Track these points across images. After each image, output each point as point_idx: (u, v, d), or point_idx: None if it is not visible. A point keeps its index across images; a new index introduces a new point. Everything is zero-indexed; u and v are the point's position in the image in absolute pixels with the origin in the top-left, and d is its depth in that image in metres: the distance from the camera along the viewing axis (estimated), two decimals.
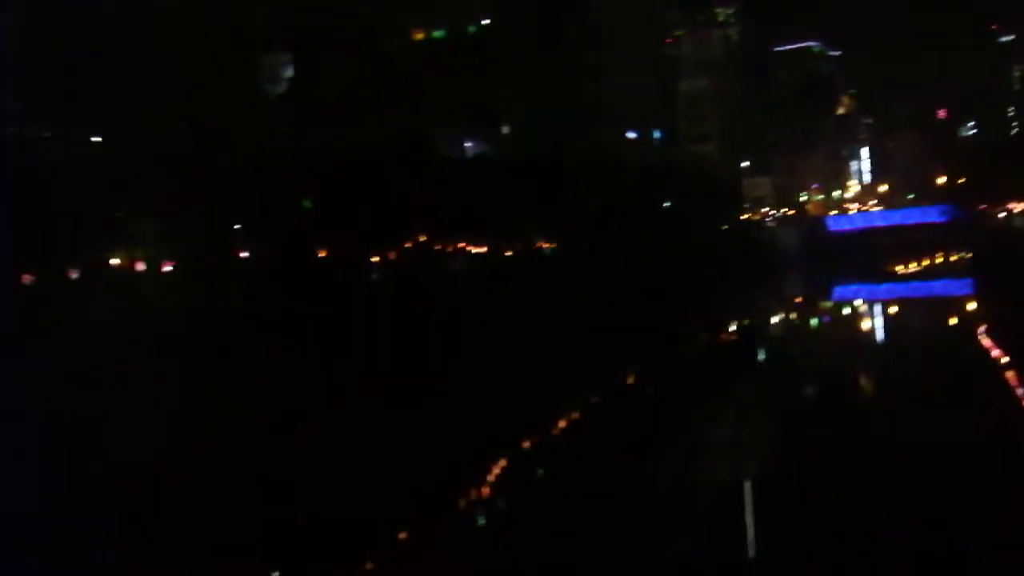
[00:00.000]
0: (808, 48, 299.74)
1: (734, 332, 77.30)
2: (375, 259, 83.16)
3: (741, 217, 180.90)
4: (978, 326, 64.98)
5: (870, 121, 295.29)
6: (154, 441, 35.67)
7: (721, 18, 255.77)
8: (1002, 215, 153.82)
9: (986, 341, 55.36)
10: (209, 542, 24.15)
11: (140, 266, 65.93)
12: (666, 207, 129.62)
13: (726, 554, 21.41)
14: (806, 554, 20.92)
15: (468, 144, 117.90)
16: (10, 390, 37.95)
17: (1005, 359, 47.09)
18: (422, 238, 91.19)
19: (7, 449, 31.73)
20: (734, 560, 21.06)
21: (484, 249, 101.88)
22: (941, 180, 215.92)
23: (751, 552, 21.56)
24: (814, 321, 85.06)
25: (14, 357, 41.66)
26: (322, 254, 77.12)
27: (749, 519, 23.60)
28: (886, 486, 25.17)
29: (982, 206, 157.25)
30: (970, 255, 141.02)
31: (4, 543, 23.44)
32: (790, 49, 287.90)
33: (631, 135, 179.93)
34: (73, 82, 65.76)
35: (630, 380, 51.86)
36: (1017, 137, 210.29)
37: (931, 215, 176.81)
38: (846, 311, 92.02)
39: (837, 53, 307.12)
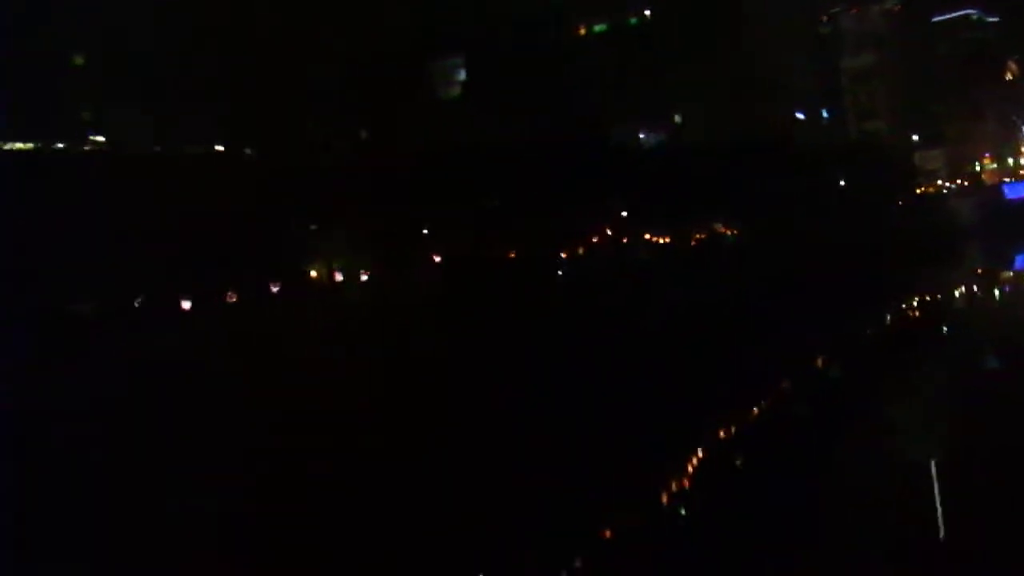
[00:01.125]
0: (967, 16, 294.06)
1: (917, 309, 76.52)
2: (563, 255, 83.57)
3: (916, 191, 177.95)
4: None
5: None
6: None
7: None
8: None
9: None
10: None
11: (338, 276, 66.97)
12: (841, 186, 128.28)
13: (916, 536, 21.60)
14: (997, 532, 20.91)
15: (643, 135, 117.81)
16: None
17: None
18: (608, 231, 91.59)
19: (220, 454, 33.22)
20: (926, 543, 21.17)
21: (667, 239, 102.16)
22: None
23: (941, 533, 21.64)
24: (997, 292, 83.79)
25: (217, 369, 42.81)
26: (511, 255, 77.77)
27: (938, 499, 23.56)
28: None
29: None
30: None
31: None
32: (949, 18, 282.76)
33: (799, 116, 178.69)
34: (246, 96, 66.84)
35: (819, 363, 52.11)
36: None
37: None
38: None
39: (996, 19, 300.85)
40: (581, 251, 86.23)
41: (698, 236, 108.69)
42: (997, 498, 22.94)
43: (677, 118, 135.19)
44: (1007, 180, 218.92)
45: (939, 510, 22.96)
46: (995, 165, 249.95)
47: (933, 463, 27.03)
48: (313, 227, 64.50)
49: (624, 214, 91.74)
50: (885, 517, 23.23)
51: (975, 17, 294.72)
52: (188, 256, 49.84)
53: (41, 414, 34.22)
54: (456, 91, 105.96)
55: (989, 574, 19.08)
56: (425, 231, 70.70)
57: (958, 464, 26.78)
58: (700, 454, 31.32)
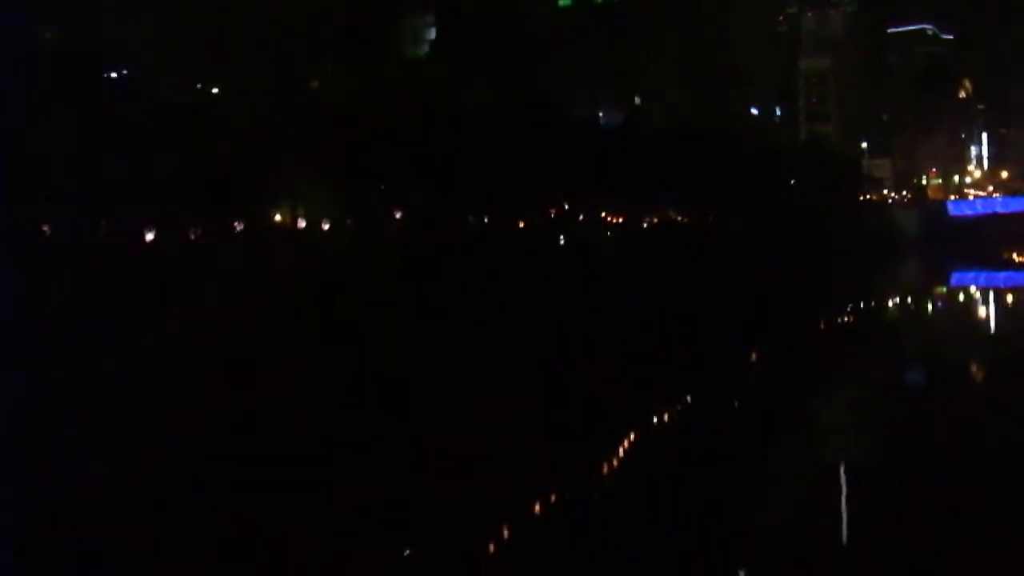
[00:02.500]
0: (922, 30, 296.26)
1: (852, 314, 77.61)
2: (522, 224, 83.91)
3: (861, 198, 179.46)
4: None
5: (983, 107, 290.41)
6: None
7: None
8: None
9: None
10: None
11: (301, 223, 66.95)
12: (790, 185, 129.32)
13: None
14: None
15: (601, 113, 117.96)
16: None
17: None
18: (566, 205, 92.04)
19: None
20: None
21: (621, 219, 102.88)
22: None
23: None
24: (929, 306, 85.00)
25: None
26: (470, 217, 78.09)
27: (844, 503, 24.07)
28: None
29: None
30: None
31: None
32: (904, 31, 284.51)
33: (754, 111, 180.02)
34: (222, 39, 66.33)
35: (753, 358, 53.05)
36: None
37: None
38: (962, 297, 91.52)
39: (950, 37, 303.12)
40: (536, 222, 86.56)
41: (651, 219, 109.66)
42: (900, 500, 23.71)
43: (637, 100, 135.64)
44: (953, 197, 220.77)
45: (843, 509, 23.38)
46: (940, 180, 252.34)
47: (842, 465, 27.56)
48: (282, 170, 64.50)
49: (579, 191, 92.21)
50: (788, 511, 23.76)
51: (930, 32, 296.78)
52: (157, 189, 49.72)
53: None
54: (424, 50, 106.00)
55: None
56: (384, 188, 70.62)
57: (866, 465, 27.37)
58: (631, 439, 31.57)
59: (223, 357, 40.00)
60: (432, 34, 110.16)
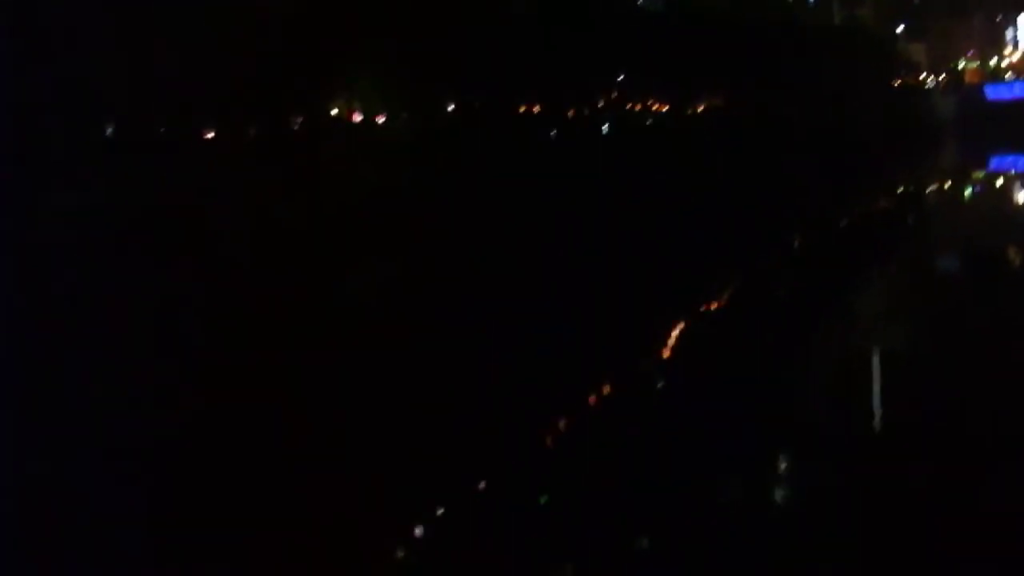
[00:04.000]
0: None
1: (893, 199, 78.07)
2: (571, 114, 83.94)
3: (898, 83, 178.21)
4: None
5: None
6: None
7: None
8: None
9: None
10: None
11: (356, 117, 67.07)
12: (829, 70, 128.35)
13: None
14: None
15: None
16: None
17: None
18: (613, 93, 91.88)
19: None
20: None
21: (667, 107, 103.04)
22: None
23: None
24: (967, 191, 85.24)
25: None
26: (522, 109, 77.97)
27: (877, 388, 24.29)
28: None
29: None
30: None
31: None
32: None
33: None
34: None
35: (796, 243, 53.88)
36: None
37: None
38: (1001, 182, 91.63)
39: None
40: (586, 111, 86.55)
41: (695, 108, 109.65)
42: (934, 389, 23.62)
43: None
44: (989, 80, 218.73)
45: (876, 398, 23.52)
46: (977, 64, 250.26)
47: (877, 352, 27.97)
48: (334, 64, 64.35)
49: (626, 79, 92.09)
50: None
51: None
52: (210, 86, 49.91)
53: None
54: None
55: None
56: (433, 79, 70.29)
57: (900, 354, 27.42)
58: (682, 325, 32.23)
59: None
60: None
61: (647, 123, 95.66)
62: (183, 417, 22.03)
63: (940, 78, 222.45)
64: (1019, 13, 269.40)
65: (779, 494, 18.63)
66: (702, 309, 35.19)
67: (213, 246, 39.35)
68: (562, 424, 22.27)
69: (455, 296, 36.91)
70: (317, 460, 19.74)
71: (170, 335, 29.10)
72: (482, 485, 18.74)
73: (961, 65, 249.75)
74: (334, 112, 64.54)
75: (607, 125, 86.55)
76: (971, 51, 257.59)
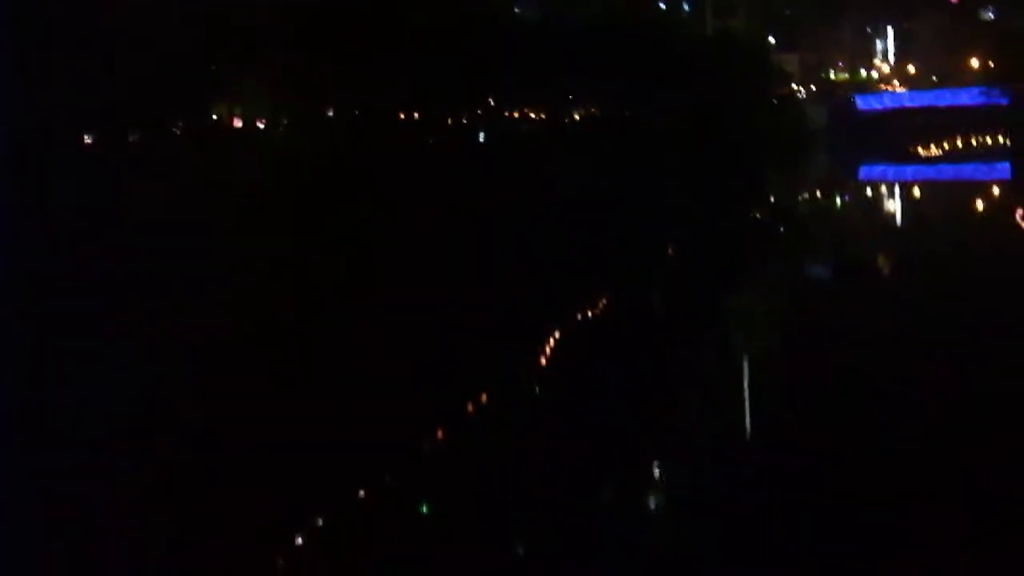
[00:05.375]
0: None
1: (765, 209, 79.23)
2: (450, 121, 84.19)
3: (772, 92, 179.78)
4: (1015, 210, 65.35)
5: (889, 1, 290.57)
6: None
7: None
8: None
9: None
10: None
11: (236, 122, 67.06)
12: (703, 79, 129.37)
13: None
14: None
15: (517, 9, 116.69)
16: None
17: None
18: (491, 102, 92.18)
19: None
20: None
21: (543, 115, 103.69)
22: (974, 63, 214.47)
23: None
24: (838, 200, 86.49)
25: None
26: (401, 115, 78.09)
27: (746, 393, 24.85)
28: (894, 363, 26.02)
29: None
30: (1005, 139, 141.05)
31: None
32: None
33: (661, 5, 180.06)
34: None
35: (670, 251, 54.46)
36: None
37: (963, 97, 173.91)
38: (870, 192, 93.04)
39: None
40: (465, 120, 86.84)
41: (571, 115, 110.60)
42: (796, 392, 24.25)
43: None
44: (860, 91, 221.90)
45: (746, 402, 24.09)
46: (847, 75, 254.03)
47: (746, 357, 28.55)
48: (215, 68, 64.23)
49: (503, 88, 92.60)
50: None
51: None
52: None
53: None
54: None
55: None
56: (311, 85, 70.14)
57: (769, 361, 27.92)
58: (557, 335, 32.35)
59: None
60: None
61: (523, 131, 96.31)
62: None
63: (811, 88, 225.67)
64: (888, 25, 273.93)
65: (654, 494, 19.01)
66: (578, 317, 35.40)
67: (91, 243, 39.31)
68: (439, 432, 22.36)
69: (324, 303, 37.16)
70: None
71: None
72: (361, 493, 18.95)
73: (832, 76, 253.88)
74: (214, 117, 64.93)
75: (482, 133, 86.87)
76: (841, 62, 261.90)
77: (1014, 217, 60.97)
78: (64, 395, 24.54)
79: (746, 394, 24.32)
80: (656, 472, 19.92)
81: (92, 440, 21.38)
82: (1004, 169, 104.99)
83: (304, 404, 24.14)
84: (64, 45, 47.77)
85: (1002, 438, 19.74)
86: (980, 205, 73.77)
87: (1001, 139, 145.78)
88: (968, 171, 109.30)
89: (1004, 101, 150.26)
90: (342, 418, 22.80)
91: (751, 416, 22.71)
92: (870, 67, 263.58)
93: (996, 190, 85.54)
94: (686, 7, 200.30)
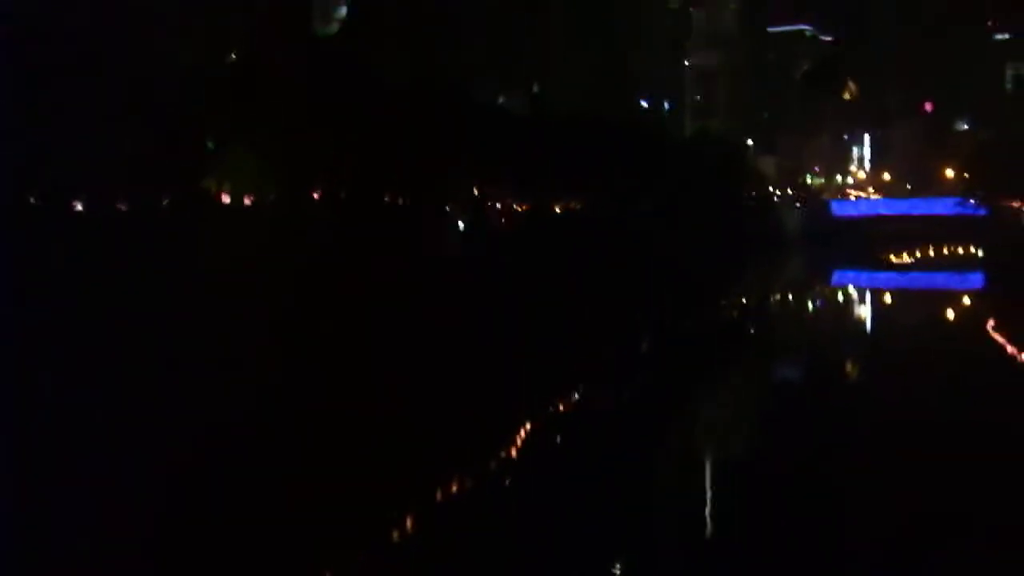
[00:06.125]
0: (802, 31, 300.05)
1: (736, 309, 79.80)
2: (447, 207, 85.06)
3: (748, 194, 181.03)
4: (987, 320, 65.60)
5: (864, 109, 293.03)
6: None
7: None
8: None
9: (998, 336, 56.17)
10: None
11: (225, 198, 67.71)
12: (681, 178, 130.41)
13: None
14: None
15: (502, 99, 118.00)
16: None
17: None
18: (475, 191, 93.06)
19: None
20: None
21: (527, 207, 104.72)
22: (949, 173, 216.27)
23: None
24: (810, 304, 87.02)
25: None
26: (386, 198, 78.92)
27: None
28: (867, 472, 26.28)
29: (1004, 201, 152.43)
30: (977, 250, 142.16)
31: None
32: (784, 31, 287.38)
33: (644, 104, 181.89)
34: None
35: (643, 349, 54.99)
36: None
37: (938, 207, 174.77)
38: (842, 297, 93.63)
39: (830, 39, 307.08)
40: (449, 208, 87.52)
41: (553, 207, 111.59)
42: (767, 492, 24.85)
43: (535, 88, 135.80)
44: (836, 197, 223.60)
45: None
46: (823, 180, 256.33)
47: (708, 461, 29.23)
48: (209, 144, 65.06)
49: (488, 177, 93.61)
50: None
51: (809, 33, 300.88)
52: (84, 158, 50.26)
53: None
54: (333, 29, 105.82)
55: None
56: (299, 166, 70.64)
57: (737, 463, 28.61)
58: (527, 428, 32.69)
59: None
60: (343, 12, 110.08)
61: (505, 220, 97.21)
62: None
63: (788, 192, 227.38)
64: (865, 132, 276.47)
65: None
66: (550, 410, 35.73)
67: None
68: (409, 522, 22.74)
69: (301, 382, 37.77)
70: None
71: None
72: None
73: (809, 180, 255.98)
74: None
75: (462, 223, 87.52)
76: (818, 167, 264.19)
77: (985, 327, 61.35)
78: None
79: (709, 501, 24.75)
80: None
81: None
82: (976, 279, 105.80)
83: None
84: (64, 110, 48.49)
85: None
86: (951, 314, 74.31)
87: (973, 249, 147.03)
88: (940, 280, 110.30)
89: (981, 212, 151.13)
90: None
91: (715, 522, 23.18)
92: (846, 173, 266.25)
93: (967, 300, 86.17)
94: (667, 106, 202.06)
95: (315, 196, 73.98)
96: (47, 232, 45.79)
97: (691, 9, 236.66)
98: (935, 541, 21.25)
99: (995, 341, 54.92)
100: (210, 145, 65.42)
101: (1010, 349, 50.27)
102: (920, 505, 23.32)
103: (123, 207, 55.62)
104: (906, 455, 27.97)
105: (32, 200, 49.34)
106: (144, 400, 33.25)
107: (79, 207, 52.97)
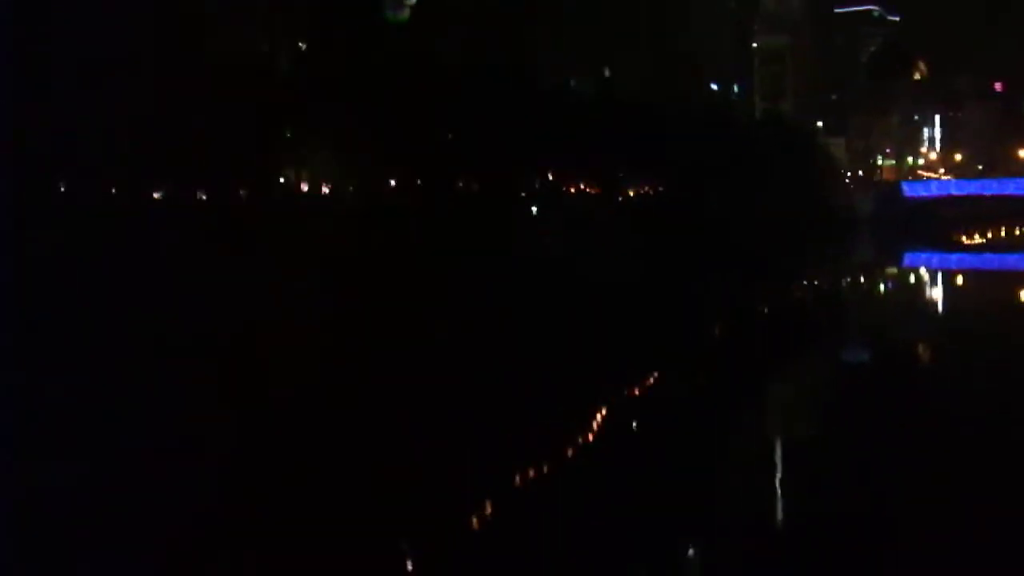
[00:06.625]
0: (869, 12, 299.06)
1: (809, 292, 79.73)
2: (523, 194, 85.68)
3: (821, 177, 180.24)
4: None
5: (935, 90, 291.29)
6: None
7: None
8: None
9: None
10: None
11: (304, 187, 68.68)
12: (754, 162, 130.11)
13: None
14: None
15: (573, 83, 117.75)
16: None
17: None
18: (549, 176, 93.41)
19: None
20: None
21: (598, 191, 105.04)
22: (1021, 154, 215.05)
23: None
24: (881, 286, 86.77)
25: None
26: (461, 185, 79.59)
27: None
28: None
29: None
30: None
31: None
32: (851, 11, 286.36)
33: (713, 87, 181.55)
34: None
35: (717, 332, 55.19)
36: None
37: (1010, 187, 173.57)
38: (913, 279, 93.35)
39: (897, 19, 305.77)
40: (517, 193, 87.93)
41: (626, 192, 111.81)
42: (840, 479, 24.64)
43: (606, 72, 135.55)
44: (906, 178, 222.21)
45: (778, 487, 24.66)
46: (894, 161, 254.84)
47: (786, 442, 29.32)
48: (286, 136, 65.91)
49: (560, 162, 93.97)
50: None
51: (876, 14, 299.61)
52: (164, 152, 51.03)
53: None
54: (404, 13, 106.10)
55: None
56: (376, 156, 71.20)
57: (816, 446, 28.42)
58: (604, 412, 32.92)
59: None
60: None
61: (578, 206, 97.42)
62: None
63: (859, 173, 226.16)
64: (935, 113, 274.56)
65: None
66: (626, 394, 36.02)
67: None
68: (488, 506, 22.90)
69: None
70: None
71: None
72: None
73: (879, 162, 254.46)
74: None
75: (536, 207, 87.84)
76: (889, 149, 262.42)
77: None
78: None
79: (784, 482, 25.00)
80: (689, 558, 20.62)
81: None
82: None
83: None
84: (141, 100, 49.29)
85: None
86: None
87: None
88: (1012, 261, 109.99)
89: None
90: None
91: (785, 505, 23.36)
92: (917, 154, 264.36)
93: None
94: (736, 89, 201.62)
95: (392, 184, 74.49)
96: (128, 222, 46.41)
97: None
98: None
99: None
100: (287, 135, 66.09)
101: None
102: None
103: (203, 196, 56.31)
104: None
105: (113, 191, 49.90)
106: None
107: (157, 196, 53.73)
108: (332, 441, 28.02)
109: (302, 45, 75.85)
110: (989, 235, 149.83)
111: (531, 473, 25.09)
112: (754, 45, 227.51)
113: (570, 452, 27.79)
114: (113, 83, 45.86)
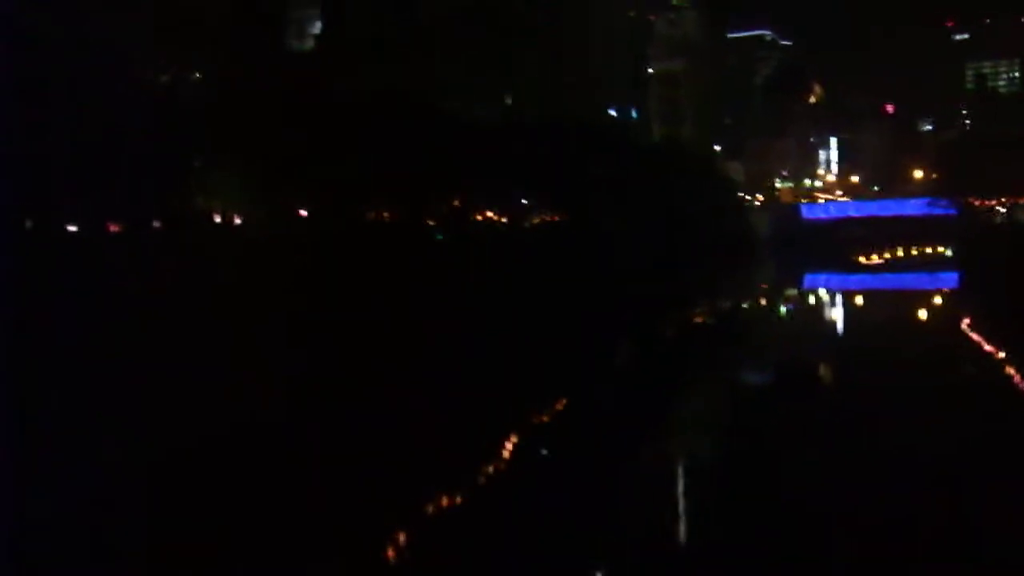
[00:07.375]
0: (761, 36, 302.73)
1: (709, 314, 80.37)
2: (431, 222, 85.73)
3: (717, 199, 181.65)
4: (961, 318, 66.13)
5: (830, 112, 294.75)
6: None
7: (675, 1, 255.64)
8: (995, 210, 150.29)
9: (974, 334, 56.55)
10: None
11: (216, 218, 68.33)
12: (653, 186, 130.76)
13: None
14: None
15: (477, 111, 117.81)
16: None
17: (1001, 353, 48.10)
18: (456, 203, 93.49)
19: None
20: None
21: (505, 219, 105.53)
22: (917, 174, 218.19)
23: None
24: (782, 308, 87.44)
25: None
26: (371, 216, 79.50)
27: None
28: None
29: (976, 201, 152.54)
30: (947, 249, 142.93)
31: None
32: (743, 36, 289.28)
33: (612, 113, 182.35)
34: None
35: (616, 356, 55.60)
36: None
37: (907, 208, 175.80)
38: (813, 300, 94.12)
39: (788, 43, 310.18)
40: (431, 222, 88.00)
41: (531, 219, 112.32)
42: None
43: (508, 100, 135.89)
44: (804, 200, 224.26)
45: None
46: (792, 184, 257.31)
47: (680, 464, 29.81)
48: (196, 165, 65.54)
49: (467, 189, 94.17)
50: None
51: (768, 38, 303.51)
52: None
53: None
54: (309, 44, 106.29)
55: None
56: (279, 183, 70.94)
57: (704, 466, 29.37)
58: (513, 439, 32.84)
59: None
60: (317, 28, 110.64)
61: (483, 233, 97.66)
62: None
63: (756, 196, 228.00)
64: (831, 135, 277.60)
65: None
66: (533, 421, 36.09)
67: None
68: (401, 537, 23.10)
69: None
70: None
71: None
72: None
73: (777, 184, 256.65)
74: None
75: (441, 234, 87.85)
76: (786, 171, 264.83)
77: (960, 326, 61.80)
78: None
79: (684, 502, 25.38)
80: None
81: None
82: (949, 279, 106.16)
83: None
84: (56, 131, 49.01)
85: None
86: (924, 315, 74.89)
87: (941, 249, 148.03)
88: (911, 281, 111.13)
89: (952, 212, 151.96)
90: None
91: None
92: (814, 176, 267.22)
93: (939, 300, 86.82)
94: (634, 114, 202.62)
95: (301, 213, 74.46)
96: (44, 255, 45.96)
97: (650, 17, 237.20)
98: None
99: (971, 339, 55.44)
100: (195, 164, 65.86)
101: (987, 347, 50.63)
102: None
103: (116, 228, 55.93)
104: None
105: (28, 223, 49.47)
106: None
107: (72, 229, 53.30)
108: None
109: (198, 75, 75.69)
110: (887, 255, 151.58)
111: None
112: (650, 70, 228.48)
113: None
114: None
